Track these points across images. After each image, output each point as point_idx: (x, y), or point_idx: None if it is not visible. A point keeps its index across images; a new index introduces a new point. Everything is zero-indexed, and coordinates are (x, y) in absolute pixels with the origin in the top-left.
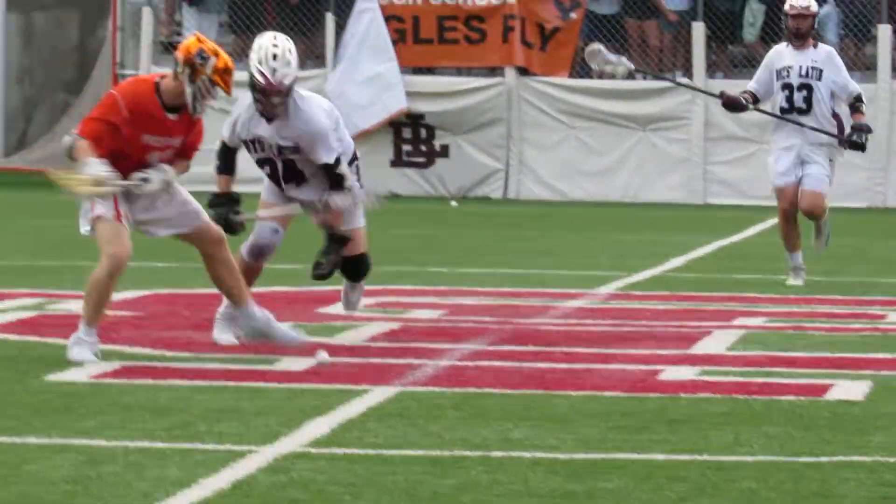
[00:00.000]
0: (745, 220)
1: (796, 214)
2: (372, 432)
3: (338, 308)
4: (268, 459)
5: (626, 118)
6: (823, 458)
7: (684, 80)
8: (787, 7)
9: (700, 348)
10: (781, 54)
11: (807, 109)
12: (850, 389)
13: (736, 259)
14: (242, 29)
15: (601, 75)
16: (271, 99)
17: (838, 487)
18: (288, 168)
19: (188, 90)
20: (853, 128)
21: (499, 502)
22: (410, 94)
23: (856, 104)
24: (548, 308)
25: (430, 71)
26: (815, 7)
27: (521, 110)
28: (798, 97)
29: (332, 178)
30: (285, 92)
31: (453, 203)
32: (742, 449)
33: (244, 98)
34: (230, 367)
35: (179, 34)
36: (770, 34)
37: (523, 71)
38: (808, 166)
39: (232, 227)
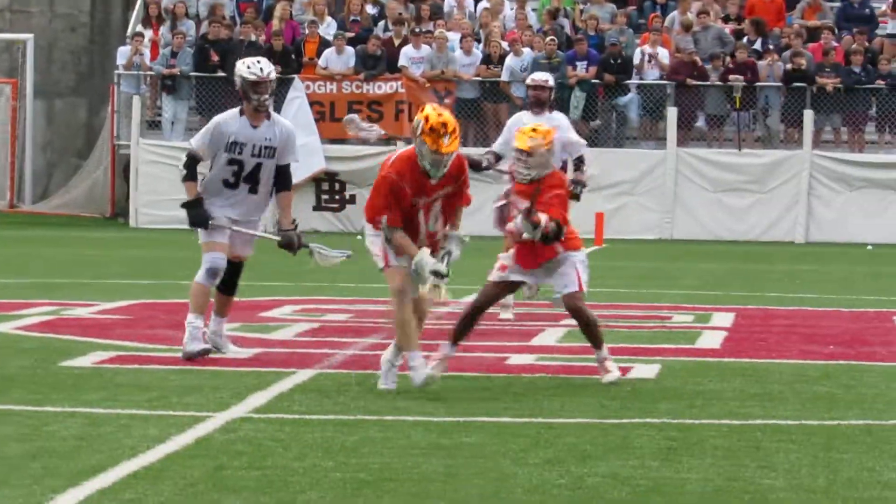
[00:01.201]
0: None
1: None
2: (297, 402)
3: (273, 313)
4: (221, 422)
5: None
6: (625, 420)
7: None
8: (528, 80)
9: (537, 341)
10: (521, 119)
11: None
12: (644, 370)
13: None
14: (206, 110)
15: (358, 139)
16: (262, 95)
17: (636, 441)
18: (252, 171)
19: (417, 152)
20: (573, 181)
21: (389, 453)
22: (328, 158)
23: (578, 164)
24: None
25: (342, 141)
26: (552, 82)
27: None
28: None
29: (285, 178)
30: (272, 86)
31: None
32: (566, 413)
33: (216, 119)
34: None
35: (160, 115)
36: (589, 114)
37: (409, 140)
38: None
39: (203, 226)
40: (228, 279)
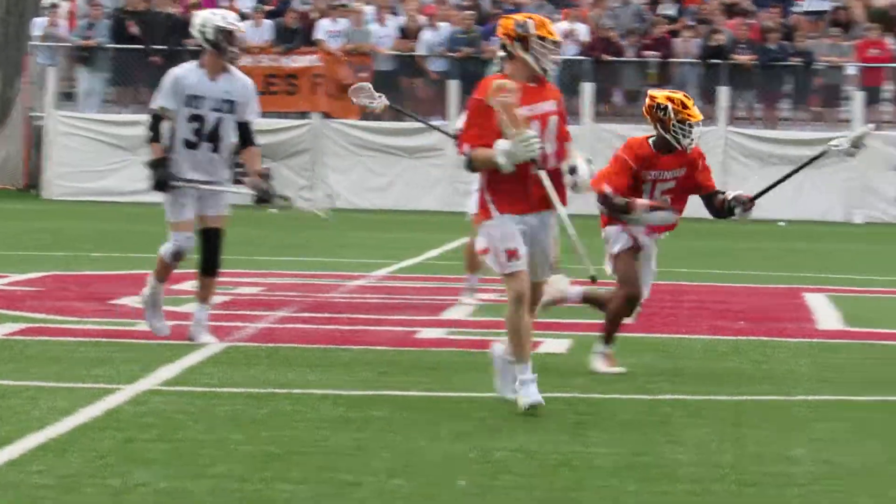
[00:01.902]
0: None
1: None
2: (207, 375)
3: (184, 285)
4: (131, 395)
5: (398, 149)
6: None
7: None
8: None
9: (447, 315)
10: None
11: None
12: (555, 345)
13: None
14: (121, 82)
15: (363, 108)
16: (233, 48)
17: (546, 415)
18: (214, 127)
19: (529, 59)
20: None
21: (299, 426)
22: None
23: None
24: (338, 286)
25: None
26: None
27: (323, 143)
28: None
29: (250, 134)
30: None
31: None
32: (479, 388)
33: (174, 72)
34: (105, 328)
35: (74, 87)
36: None
37: (326, 115)
38: None
39: (166, 188)
40: (206, 256)
